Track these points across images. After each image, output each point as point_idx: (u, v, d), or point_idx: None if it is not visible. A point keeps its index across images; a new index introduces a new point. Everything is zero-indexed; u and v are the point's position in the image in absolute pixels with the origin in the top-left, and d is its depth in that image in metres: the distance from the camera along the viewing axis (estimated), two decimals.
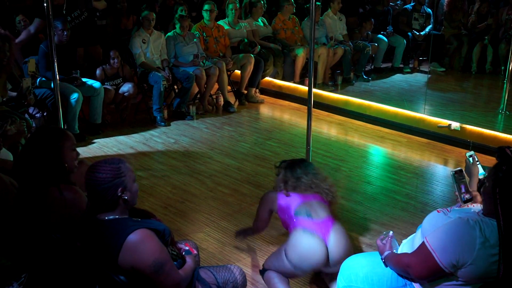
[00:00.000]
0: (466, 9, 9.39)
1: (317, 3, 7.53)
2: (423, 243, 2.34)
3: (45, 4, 4.51)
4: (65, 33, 6.22)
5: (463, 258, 2.22)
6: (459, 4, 9.33)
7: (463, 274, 2.26)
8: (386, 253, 2.63)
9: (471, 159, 2.98)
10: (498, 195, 2.17)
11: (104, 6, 7.66)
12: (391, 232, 2.75)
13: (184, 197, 4.92)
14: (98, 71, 6.72)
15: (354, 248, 3.93)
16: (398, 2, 10.10)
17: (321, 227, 3.19)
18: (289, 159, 3.60)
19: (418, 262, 2.35)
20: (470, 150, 3.18)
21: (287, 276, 3.34)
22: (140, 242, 2.35)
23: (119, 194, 2.42)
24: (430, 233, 2.35)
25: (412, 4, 9.74)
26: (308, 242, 3.15)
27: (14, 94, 5.33)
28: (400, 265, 2.49)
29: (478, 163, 2.92)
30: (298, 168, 3.44)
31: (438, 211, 2.53)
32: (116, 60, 6.70)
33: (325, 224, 3.22)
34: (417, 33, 9.42)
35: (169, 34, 7.41)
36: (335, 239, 3.18)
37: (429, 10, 9.58)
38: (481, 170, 2.97)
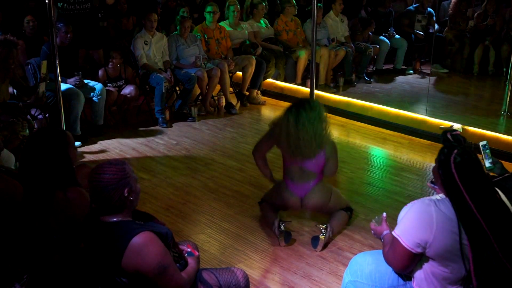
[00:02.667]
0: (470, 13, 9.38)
1: (319, 4, 7.52)
2: (393, 236, 2.49)
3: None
4: (69, 35, 6.24)
5: (425, 235, 2.36)
6: (463, 8, 9.31)
7: (431, 252, 2.39)
8: (385, 232, 2.76)
9: (481, 147, 3.25)
10: (442, 176, 2.40)
11: (112, 1, 7.66)
12: (384, 214, 2.86)
13: (185, 198, 4.92)
14: (100, 72, 6.73)
15: (358, 250, 3.94)
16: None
17: (300, 189, 4.08)
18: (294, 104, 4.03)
19: (392, 254, 2.50)
20: (483, 141, 3.33)
21: (277, 208, 4.28)
22: (144, 245, 2.35)
23: (126, 195, 2.43)
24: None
25: (415, 5, 9.74)
26: (287, 197, 4.13)
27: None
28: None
29: (487, 152, 3.22)
30: (292, 129, 3.89)
31: None
32: (115, 61, 6.70)
33: (305, 187, 4.07)
34: (421, 33, 9.42)
35: (171, 35, 7.42)
36: (310, 197, 4.08)
37: (431, 10, 9.58)
38: (487, 163, 3.22)
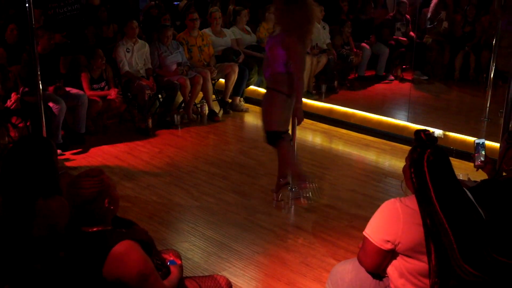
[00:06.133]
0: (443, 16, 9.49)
1: None
2: (363, 236, 2.52)
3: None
4: (51, 42, 6.21)
5: (393, 231, 2.41)
6: (439, 10, 9.42)
7: (402, 247, 2.42)
8: None
9: (475, 144, 3.34)
10: (413, 174, 2.44)
11: (99, 3, 7.64)
12: None
13: (169, 206, 4.90)
14: (83, 74, 6.64)
15: (341, 257, 3.95)
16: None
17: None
18: None
19: (363, 254, 2.54)
20: (481, 139, 3.37)
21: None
22: (125, 253, 2.33)
23: (107, 205, 2.41)
24: None
25: (393, 13, 9.87)
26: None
27: None
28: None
29: (481, 151, 3.34)
30: None
31: None
32: (99, 61, 6.65)
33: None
34: (404, 38, 9.52)
35: (153, 43, 7.40)
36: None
37: (408, 18, 9.72)
38: (477, 161, 3.37)
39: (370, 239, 2.47)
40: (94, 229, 2.42)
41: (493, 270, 2.36)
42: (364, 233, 2.51)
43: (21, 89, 6.11)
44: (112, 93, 6.72)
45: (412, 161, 2.46)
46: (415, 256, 2.43)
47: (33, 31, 4.59)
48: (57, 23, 6.74)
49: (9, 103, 5.98)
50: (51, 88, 6.16)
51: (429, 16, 9.62)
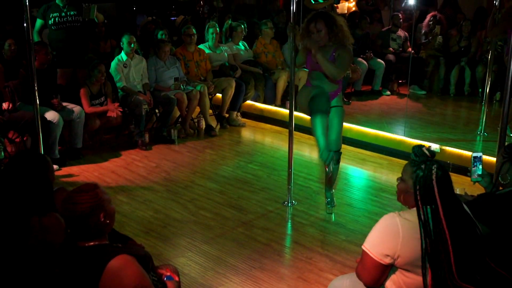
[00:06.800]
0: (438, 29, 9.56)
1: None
2: (362, 250, 2.51)
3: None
4: (48, 57, 6.23)
5: (392, 245, 2.40)
6: (433, 25, 9.51)
7: (401, 261, 2.41)
8: None
9: (473, 158, 3.33)
10: (419, 191, 2.41)
11: (102, 20, 7.68)
12: None
13: (165, 221, 4.89)
14: (83, 90, 6.64)
15: (339, 272, 3.95)
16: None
17: None
18: None
19: (362, 268, 2.52)
20: (478, 152, 3.37)
21: None
22: (121, 268, 2.32)
23: (102, 219, 2.40)
24: None
25: (388, 27, 9.96)
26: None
27: None
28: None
29: (478, 165, 3.33)
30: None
31: None
32: (99, 75, 6.66)
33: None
34: (399, 49, 9.59)
35: (151, 58, 7.42)
36: None
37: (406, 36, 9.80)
38: (475, 175, 3.34)
39: (369, 253, 2.46)
40: (91, 243, 2.42)
41: (489, 285, 2.36)
42: (363, 247, 2.50)
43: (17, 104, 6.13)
44: (111, 108, 6.72)
45: (419, 178, 2.42)
46: (414, 270, 2.42)
47: (31, 46, 4.60)
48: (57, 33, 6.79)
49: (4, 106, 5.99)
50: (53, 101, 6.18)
51: (423, 31, 9.70)
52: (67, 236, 2.50)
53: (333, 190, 5.17)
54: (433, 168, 2.41)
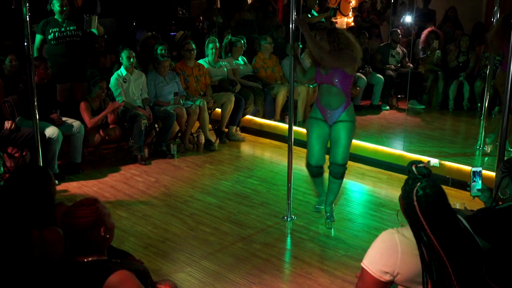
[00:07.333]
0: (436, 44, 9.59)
1: (298, 43, 7.62)
2: (361, 267, 2.49)
3: (25, 44, 4.55)
4: (48, 72, 6.24)
5: (391, 262, 2.39)
6: (431, 40, 9.55)
7: (401, 278, 2.40)
8: None
9: (472, 173, 3.33)
10: (404, 205, 2.46)
11: (103, 33, 7.73)
12: None
13: (165, 236, 4.87)
14: (83, 105, 6.67)
15: (338, 287, 3.93)
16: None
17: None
18: None
19: (361, 285, 2.50)
20: (477, 167, 3.37)
21: None
22: (120, 283, 2.31)
23: (102, 234, 2.40)
24: None
25: (387, 42, 10.00)
26: None
27: None
28: None
29: (477, 179, 3.32)
30: None
31: None
32: (99, 91, 6.69)
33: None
34: (398, 65, 9.63)
35: (150, 73, 7.45)
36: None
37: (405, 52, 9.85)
38: (474, 190, 3.33)
39: (368, 270, 2.44)
40: (89, 258, 2.41)
41: None
42: (362, 264, 2.49)
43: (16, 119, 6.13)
44: (112, 106, 6.75)
45: (403, 193, 2.47)
46: (414, 287, 2.41)
47: (31, 61, 4.62)
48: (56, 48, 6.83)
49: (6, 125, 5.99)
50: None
51: (421, 46, 9.75)
52: (65, 250, 2.49)
53: (333, 205, 5.16)
54: (415, 186, 2.41)
